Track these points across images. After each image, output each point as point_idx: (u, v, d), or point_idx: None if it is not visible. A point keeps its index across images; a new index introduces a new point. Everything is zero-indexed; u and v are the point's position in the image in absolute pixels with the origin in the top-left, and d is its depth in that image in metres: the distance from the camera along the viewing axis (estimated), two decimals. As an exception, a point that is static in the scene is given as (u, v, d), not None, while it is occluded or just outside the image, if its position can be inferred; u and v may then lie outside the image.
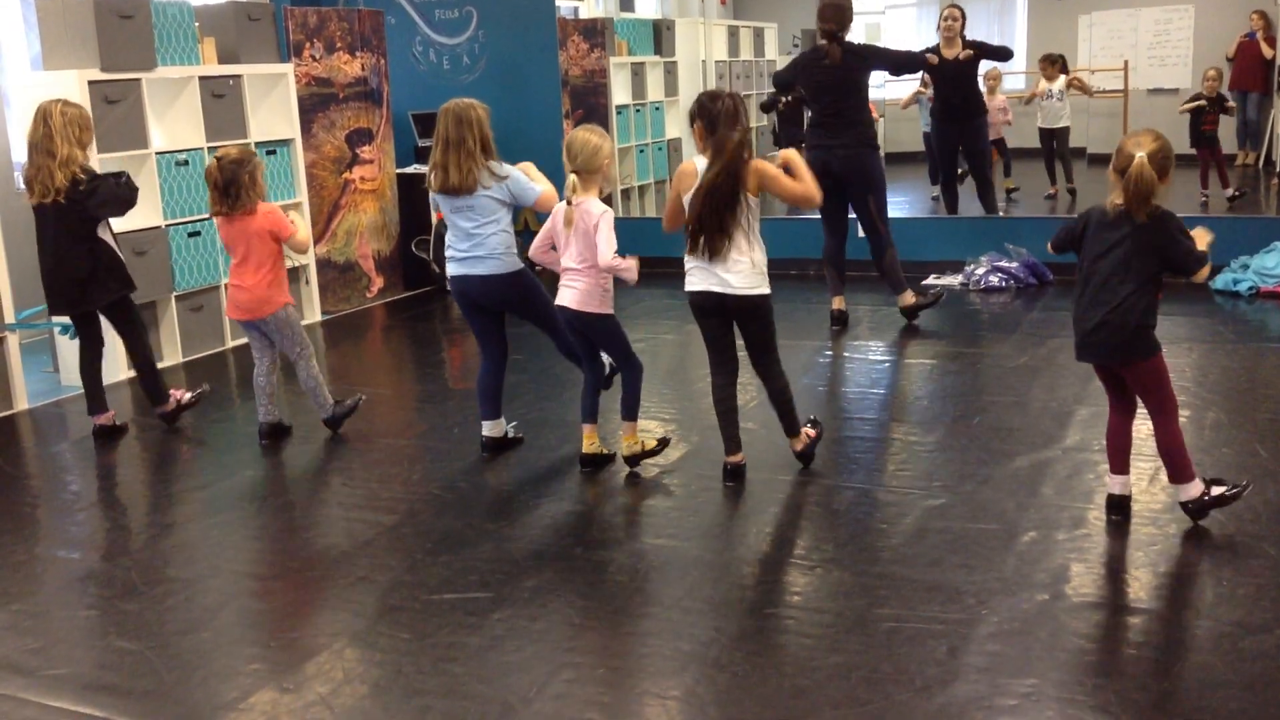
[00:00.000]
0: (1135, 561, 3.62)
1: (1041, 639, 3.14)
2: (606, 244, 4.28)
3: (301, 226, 5.11)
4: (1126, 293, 3.64)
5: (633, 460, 4.53)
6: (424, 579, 3.71)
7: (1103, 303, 3.67)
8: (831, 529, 4.03)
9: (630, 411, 4.52)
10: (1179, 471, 3.78)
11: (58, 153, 5.01)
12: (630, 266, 4.31)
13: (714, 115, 4.12)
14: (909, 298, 6.74)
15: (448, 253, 4.66)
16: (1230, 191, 9.40)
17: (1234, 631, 3.13)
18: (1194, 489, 3.79)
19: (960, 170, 9.15)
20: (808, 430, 4.57)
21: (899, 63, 7.13)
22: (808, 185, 4.23)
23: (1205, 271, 3.66)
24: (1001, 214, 8.85)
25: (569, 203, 4.34)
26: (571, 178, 4.35)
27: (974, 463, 4.48)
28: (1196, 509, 3.80)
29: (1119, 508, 3.88)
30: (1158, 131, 3.66)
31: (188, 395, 5.53)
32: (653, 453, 4.58)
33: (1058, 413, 5.01)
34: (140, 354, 5.41)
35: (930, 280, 7.85)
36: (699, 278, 4.25)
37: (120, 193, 5.13)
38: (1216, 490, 3.81)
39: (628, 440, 4.53)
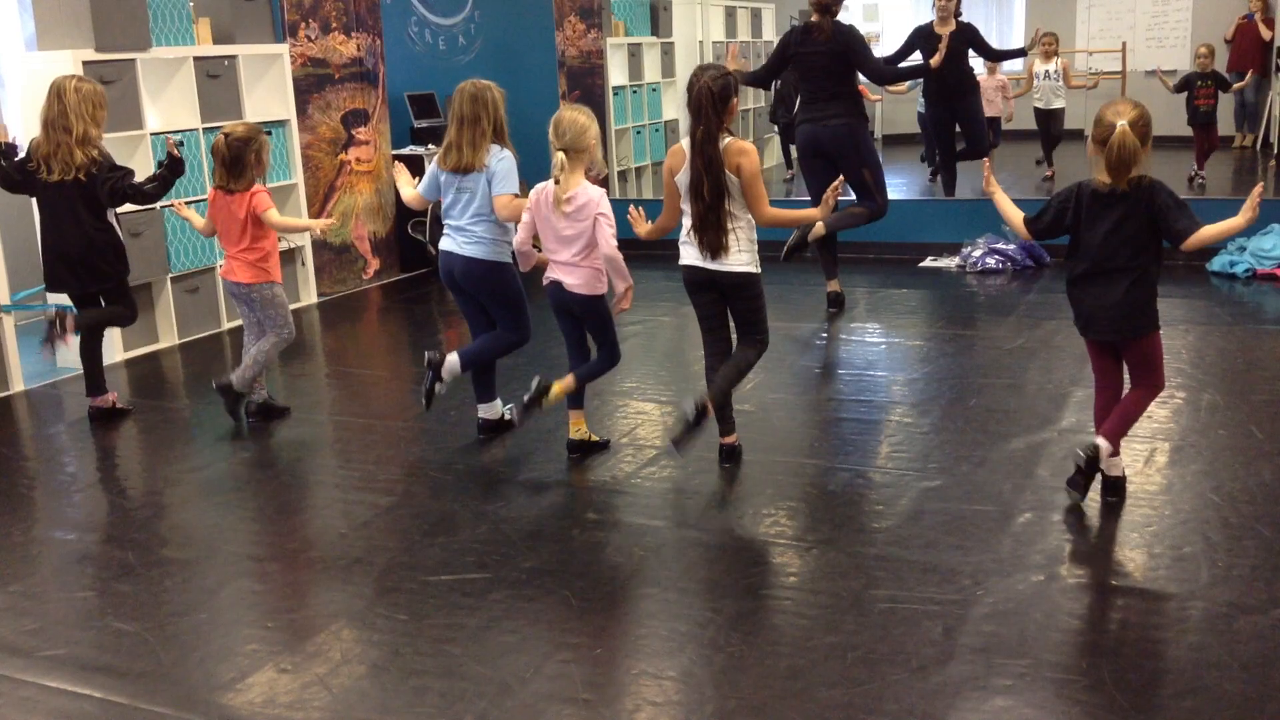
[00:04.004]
0: (1130, 542, 3.63)
1: (1036, 619, 3.15)
2: (609, 236, 4.24)
3: (281, 219, 5.00)
4: (1141, 266, 3.67)
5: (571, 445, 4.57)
6: (421, 560, 3.71)
7: (1119, 279, 3.68)
8: (827, 510, 4.03)
9: (582, 383, 4.52)
10: (1120, 440, 3.86)
11: (74, 129, 4.98)
12: (623, 289, 4.29)
13: (692, 98, 4.07)
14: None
15: (444, 230, 4.66)
16: (1193, 170, 9.30)
17: (1229, 612, 3.14)
18: (1121, 463, 3.91)
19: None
20: (728, 439, 4.44)
21: (879, 74, 6.78)
22: (780, 214, 4.37)
23: (1203, 234, 3.59)
24: None
25: (556, 180, 4.29)
26: (559, 155, 4.27)
27: (970, 444, 4.49)
28: (1120, 484, 3.90)
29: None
30: (1136, 100, 3.66)
31: (117, 402, 5.41)
32: (592, 446, 4.57)
33: (1054, 395, 5.02)
34: (108, 323, 5.37)
35: (928, 262, 7.85)
36: (690, 253, 4.27)
37: (128, 192, 5.11)
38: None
39: (575, 424, 4.56)
